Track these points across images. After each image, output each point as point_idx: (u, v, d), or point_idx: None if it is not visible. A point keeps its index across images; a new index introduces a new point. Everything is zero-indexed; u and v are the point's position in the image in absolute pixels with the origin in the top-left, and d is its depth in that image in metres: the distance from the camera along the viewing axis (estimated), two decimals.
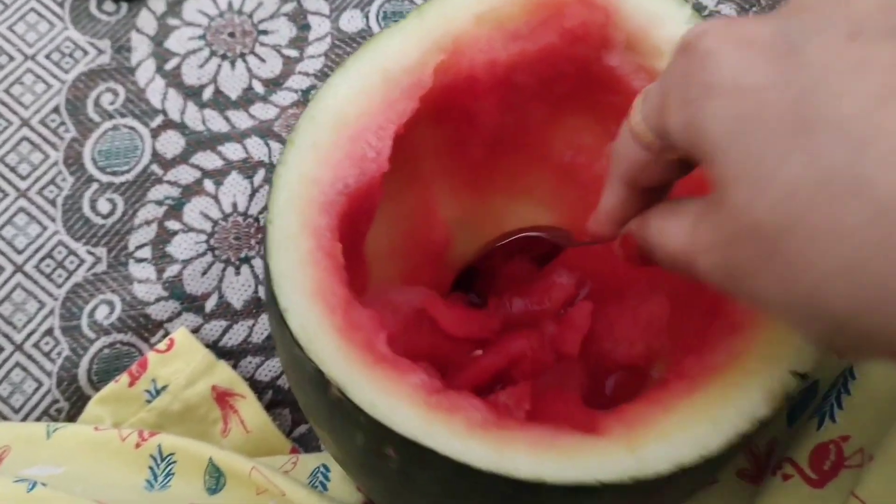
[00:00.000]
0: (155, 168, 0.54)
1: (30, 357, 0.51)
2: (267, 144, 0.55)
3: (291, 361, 0.33)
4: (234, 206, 0.53)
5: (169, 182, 0.54)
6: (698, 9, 0.58)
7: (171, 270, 0.52)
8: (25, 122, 0.55)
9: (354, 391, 0.29)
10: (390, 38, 0.37)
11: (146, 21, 0.57)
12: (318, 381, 0.30)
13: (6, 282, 0.52)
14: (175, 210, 0.53)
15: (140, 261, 0.52)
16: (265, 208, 0.53)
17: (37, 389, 0.50)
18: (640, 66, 0.39)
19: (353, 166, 0.35)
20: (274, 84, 0.56)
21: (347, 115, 0.36)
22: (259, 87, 0.56)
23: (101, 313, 0.51)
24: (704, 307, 0.40)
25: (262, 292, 0.52)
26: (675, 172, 0.29)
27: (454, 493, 0.31)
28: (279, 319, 0.32)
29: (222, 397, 0.49)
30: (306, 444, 0.51)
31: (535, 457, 0.29)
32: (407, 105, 0.36)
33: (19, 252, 0.52)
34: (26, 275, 0.52)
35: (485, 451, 0.29)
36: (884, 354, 0.21)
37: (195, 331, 0.51)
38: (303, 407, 0.37)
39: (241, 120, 0.55)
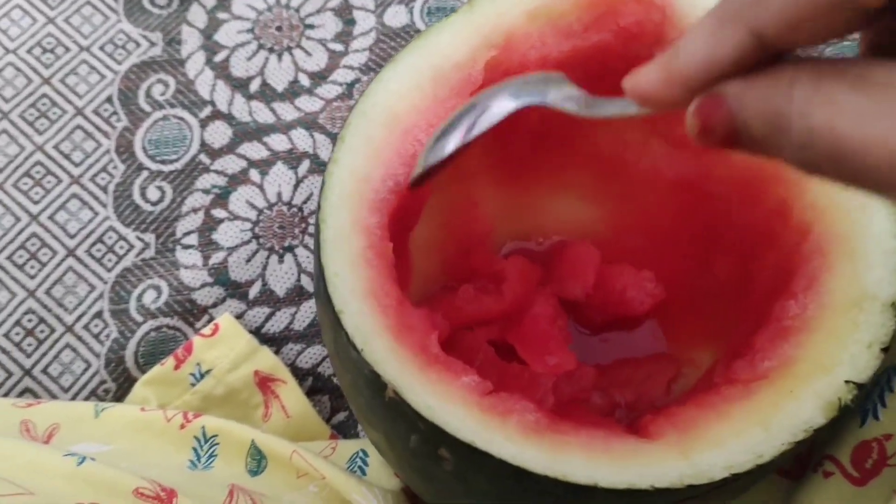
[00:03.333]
0: (203, 157, 0.55)
1: (79, 338, 0.52)
2: (312, 136, 0.56)
3: (346, 363, 0.33)
4: (279, 195, 0.54)
5: (216, 171, 0.55)
6: None
7: (217, 257, 0.53)
8: (79, 111, 0.56)
9: (411, 394, 0.30)
10: (440, 33, 0.38)
11: (196, 15, 0.59)
12: (375, 383, 0.31)
13: (58, 265, 0.53)
14: (221, 199, 0.54)
15: (187, 247, 0.53)
16: (309, 198, 0.54)
17: (85, 370, 0.52)
18: None
19: (403, 164, 0.35)
20: (319, 77, 0.57)
21: (398, 111, 0.36)
22: (305, 80, 0.57)
23: (149, 297, 0.52)
24: (750, 309, 0.40)
25: (304, 281, 0.53)
26: (848, 24, 0.19)
27: (508, 495, 0.31)
28: (334, 320, 0.32)
29: (264, 382, 0.50)
30: (345, 430, 0.52)
31: (590, 461, 0.29)
32: (457, 102, 0.36)
33: (71, 237, 0.54)
34: (78, 259, 0.53)
35: (540, 455, 0.29)
36: None
37: (239, 317, 0.52)
38: (355, 408, 0.37)
39: (286, 112, 0.56)
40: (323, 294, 0.33)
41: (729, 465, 0.29)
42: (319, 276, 0.33)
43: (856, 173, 0.19)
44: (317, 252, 0.34)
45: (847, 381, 0.31)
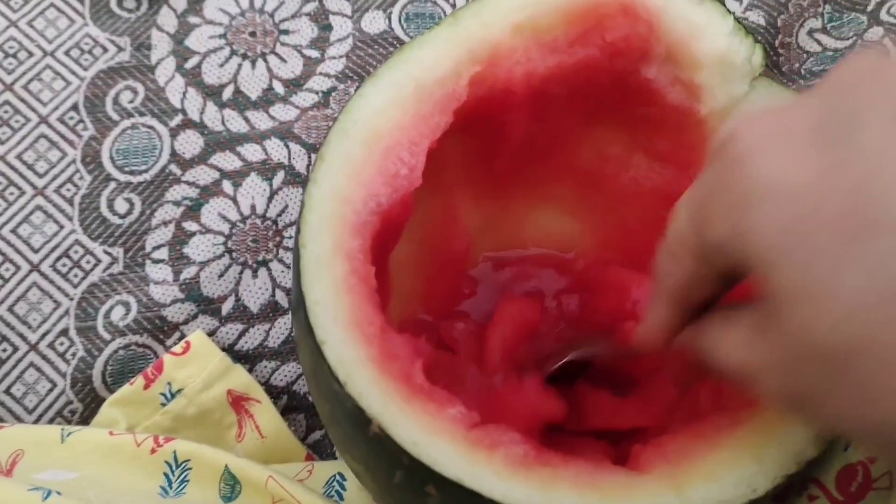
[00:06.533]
0: (173, 168, 0.53)
1: (44, 357, 0.50)
2: (287, 146, 0.54)
3: (327, 395, 0.32)
4: (253, 208, 0.53)
5: (187, 182, 0.53)
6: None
7: (188, 272, 0.51)
8: (43, 119, 0.54)
9: (396, 429, 0.29)
10: (422, 47, 0.37)
11: (167, 19, 0.57)
12: (357, 417, 0.30)
13: (21, 281, 0.51)
14: (193, 211, 0.53)
15: (157, 262, 0.52)
16: (284, 210, 0.53)
17: (51, 390, 0.50)
18: (677, 77, 0.38)
19: (385, 184, 0.34)
20: (294, 85, 0.56)
21: (379, 128, 0.35)
22: (279, 88, 0.56)
23: (117, 314, 0.50)
24: None
25: (279, 296, 0.52)
26: (723, 285, 0.27)
27: None
28: (315, 351, 0.31)
29: (238, 402, 0.49)
30: (321, 450, 0.51)
31: (580, 497, 0.28)
32: (440, 119, 0.35)
33: (35, 251, 0.52)
34: (42, 274, 0.51)
35: (529, 492, 0.28)
36: None
37: (211, 334, 0.51)
38: (333, 437, 0.36)
39: (260, 121, 0.55)
40: (304, 322, 0.31)
41: (722, 501, 0.28)
42: (300, 303, 0.32)
43: (736, 380, 0.26)
44: (296, 278, 0.32)
45: None
